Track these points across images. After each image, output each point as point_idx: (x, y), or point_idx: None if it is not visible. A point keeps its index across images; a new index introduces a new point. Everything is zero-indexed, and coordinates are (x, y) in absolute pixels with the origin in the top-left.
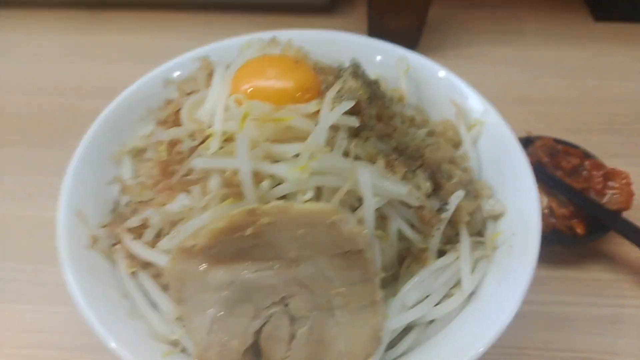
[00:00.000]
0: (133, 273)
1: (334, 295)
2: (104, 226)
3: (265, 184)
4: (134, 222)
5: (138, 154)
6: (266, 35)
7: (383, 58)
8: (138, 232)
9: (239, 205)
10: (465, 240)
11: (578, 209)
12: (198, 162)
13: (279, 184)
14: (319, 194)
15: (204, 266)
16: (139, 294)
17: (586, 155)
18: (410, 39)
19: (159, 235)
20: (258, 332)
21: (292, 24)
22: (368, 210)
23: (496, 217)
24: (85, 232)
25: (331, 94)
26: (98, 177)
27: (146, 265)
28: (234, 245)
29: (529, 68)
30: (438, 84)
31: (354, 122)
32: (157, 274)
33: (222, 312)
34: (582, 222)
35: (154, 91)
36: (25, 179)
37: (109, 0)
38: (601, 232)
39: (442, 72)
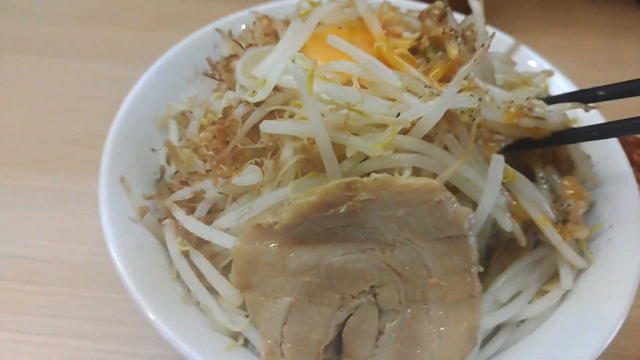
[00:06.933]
0: (185, 252)
1: (430, 286)
2: (150, 198)
3: (350, 156)
4: (185, 194)
5: (184, 119)
6: None
7: None
8: (188, 205)
9: (321, 179)
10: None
11: None
12: (265, 126)
13: (365, 159)
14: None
15: (282, 247)
16: (193, 277)
17: None
18: None
19: (211, 211)
20: (341, 326)
21: None
22: (488, 199)
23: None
24: (130, 203)
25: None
26: (141, 144)
27: (200, 244)
28: (323, 224)
29: (579, 57)
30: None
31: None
32: (213, 254)
33: (301, 300)
34: None
35: (202, 52)
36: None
37: None
38: None
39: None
